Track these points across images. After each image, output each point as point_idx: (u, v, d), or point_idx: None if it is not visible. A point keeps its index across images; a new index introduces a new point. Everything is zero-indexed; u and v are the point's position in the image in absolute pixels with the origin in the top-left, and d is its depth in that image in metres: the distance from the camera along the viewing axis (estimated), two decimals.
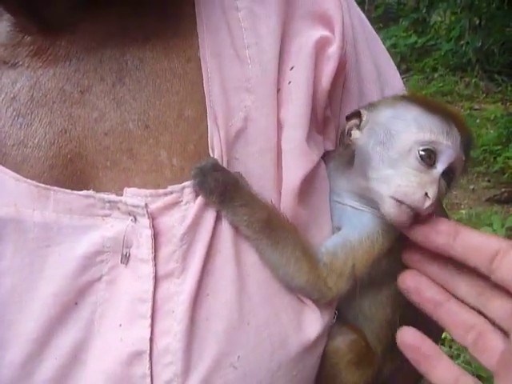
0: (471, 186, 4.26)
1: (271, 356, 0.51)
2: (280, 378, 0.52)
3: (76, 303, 0.50)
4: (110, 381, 0.49)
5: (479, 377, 2.20)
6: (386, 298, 0.61)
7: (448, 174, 0.50)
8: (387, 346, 0.63)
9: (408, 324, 0.63)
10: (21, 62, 0.52)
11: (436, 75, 7.22)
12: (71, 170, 0.51)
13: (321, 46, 0.55)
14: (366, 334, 0.63)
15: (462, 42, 7.28)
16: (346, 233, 0.57)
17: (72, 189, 0.50)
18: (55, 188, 0.50)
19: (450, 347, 2.40)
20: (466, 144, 0.52)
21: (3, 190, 0.50)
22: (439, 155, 0.50)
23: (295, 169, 0.53)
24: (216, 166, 0.51)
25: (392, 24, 9.24)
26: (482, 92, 6.53)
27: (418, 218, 0.49)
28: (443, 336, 2.43)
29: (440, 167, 0.50)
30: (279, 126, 0.54)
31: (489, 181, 4.30)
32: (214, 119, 0.51)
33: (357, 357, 0.60)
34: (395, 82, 0.65)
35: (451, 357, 2.37)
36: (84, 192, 0.50)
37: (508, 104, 5.87)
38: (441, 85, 6.81)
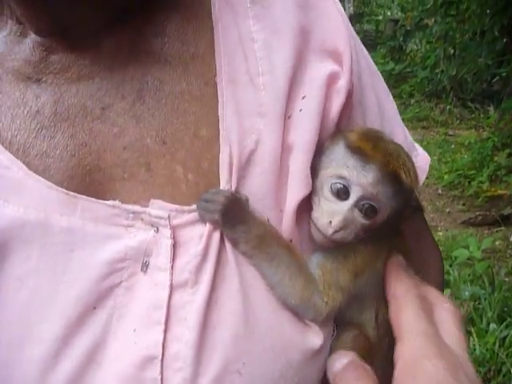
0: (447, 209, 4.34)
1: (274, 364, 0.53)
2: None
3: (95, 307, 0.52)
4: (122, 383, 0.50)
5: None
6: (373, 316, 0.62)
7: (367, 209, 0.55)
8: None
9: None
10: (45, 79, 0.55)
11: (412, 101, 7.42)
12: (89, 181, 0.54)
13: (331, 80, 0.58)
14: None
15: (437, 70, 7.52)
16: (326, 249, 0.59)
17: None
18: (84, 197, 0.52)
19: None
20: (392, 187, 0.55)
21: (35, 196, 0.52)
22: (351, 190, 0.54)
23: (297, 190, 0.56)
24: (224, 195, 0.53)
25: (370, 51, 9.43)
26: (456, 118, 6.73)
27: (337, 242, 0.55)
28: None
29: (351, 200, 0.54)
30: (288, 150, 0.56)
31: (464, 204, 4.39)
32: (227, 141, 0.54)
33: (362, 350, 0.60)
34: (392, 114, 0.69)
35: None
36: (110, 202, 0.52)
37: (481, 130, 6.05)
38: (417, 111, 7.00)
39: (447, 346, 0.49)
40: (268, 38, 0.58)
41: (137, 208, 0.52)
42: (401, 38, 8.89)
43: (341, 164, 0.55)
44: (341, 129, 0.61)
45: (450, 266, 3.07)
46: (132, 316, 0.52)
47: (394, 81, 8.25)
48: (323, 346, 0.57)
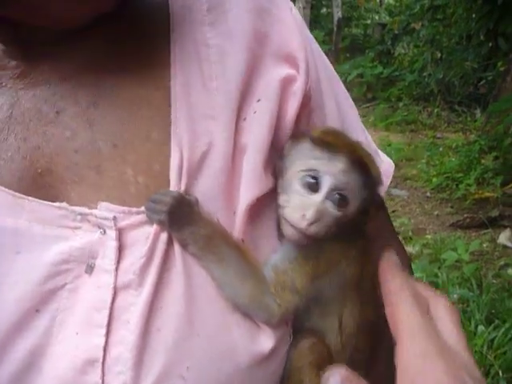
0: (435, 212, 4.37)
1: (220, 367, 0.53)
2: None
3: (37, 310, 0.51)
4: None
5: None
6: (336, 321, 0.61)
7: (339, 200, 0.55)
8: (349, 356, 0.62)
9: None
10: (4, 83, 0.57)
11: (401, 104, 7.48)
12: (40, 183, 0.54)
13: (287, 83, 0.60)
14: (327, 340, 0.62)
15: (424, 74, 7.60)
16: (285, 250, 0.58)
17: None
18: (30, 198, 0.52)
19: None
20: (361, 176, 0.56)
21: None
22: (322, 181, 0.54)
23: (249, 190, 0.56)
24: (172, 196, 0.53)
25: (358, 55, 9.57)
26: (444, 121, 6.80)
27: (312, 236, 0.54)
28: None
29: (322, 192, 0.54)
30: (241, 151, 0.57)
31: (452, 207, 4.42)
32: (178, 143, 0.55)
33: (320, 358, 0.59)
34: (353, 120, 0.70)
35: None
36: (57, 204, 0.52)
37: (468, 133, 6.11)
38: (405, 114, 7.06)
39: (447, 344, 0.48)
40: (222, 43, 0.59)
41: (84, 210, 0.52)
42: (389, 42, 8.98)
43: (308, 158, 0.56)
44: (301, 131, 0.61)
45: (439, 268, 3.08)
46: (75, 319, 0.51)
47: (383, 84, 8.33)
48: (275, 350, 0.56)
